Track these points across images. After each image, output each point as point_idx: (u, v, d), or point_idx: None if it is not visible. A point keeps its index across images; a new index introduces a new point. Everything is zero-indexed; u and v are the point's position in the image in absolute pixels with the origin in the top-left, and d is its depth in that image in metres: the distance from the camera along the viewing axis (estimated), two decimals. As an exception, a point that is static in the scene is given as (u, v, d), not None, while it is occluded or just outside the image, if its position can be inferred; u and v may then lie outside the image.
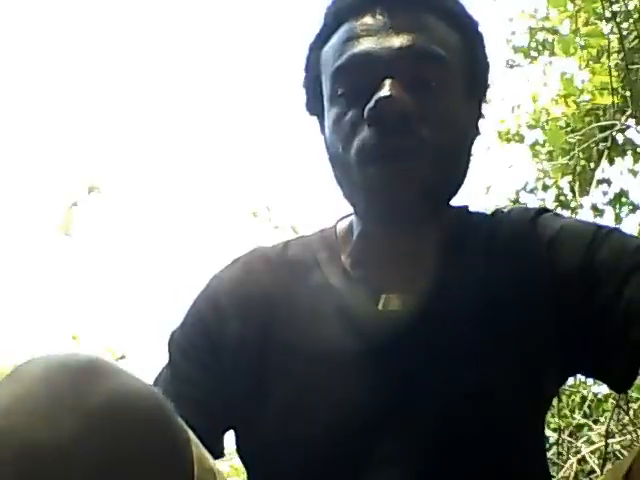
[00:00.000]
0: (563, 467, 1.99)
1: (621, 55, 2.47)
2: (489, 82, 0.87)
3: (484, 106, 0.88)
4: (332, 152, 0.82)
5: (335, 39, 0.82)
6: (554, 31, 3.27)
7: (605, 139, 2.69)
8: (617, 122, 2.59)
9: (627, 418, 2.04)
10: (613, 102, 2.45)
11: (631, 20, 2.49)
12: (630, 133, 3.00)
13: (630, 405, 2.04)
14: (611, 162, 2.99)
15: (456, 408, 0.78)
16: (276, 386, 0.82)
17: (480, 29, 0.86)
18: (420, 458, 0.77)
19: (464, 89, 0.82)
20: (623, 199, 3.21)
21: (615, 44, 2.43)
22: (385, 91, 0.75)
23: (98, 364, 0.57)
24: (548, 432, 2.09)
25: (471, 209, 0.91)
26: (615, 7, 2.34)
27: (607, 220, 3.18)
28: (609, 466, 1.85)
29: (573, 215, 3.00)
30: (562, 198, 3.14)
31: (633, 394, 2.11)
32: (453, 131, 0.80)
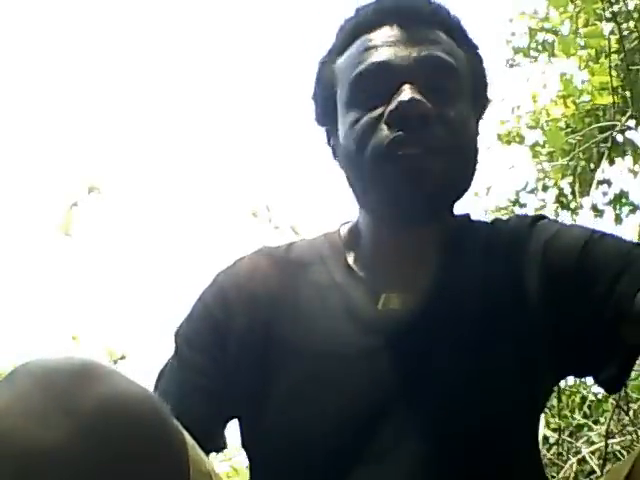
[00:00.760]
0: (563, 467, 1.99)
1: (621, 55, 2.47)
2: (487, 101, 0.92)
3: (484, 113, 0.92)
4: (346, 154, 0.86)
5: (352, 50, 0.86)
6: (554, 31, 3.27)
7: (605, 140, 2.69)
8: (617, 123, 2.59)
9: (627, 418, 2.04)
10: (613, 103, 2.45)
11: (631, 20, 2.50)
12: (630, 134, 3.00)
13: (630, 405, 2.04)
14: (611, 163, 2.99)
15: (456, 403, 0.80)
16: (280, 379, 0.84)
17: (479, 52, 0.91)
18: (421, 451, 0.79)
19: (471, 98, 0.87)
20: (623, 200, 3.21)
21: (615, 44, 2.43)
22: (407, 94, 0.80)
23: (93, 367, 0.57)
24: (548, 432, 2.09)
25: (473, 218, 0.95)
26: (615, 7, 2.35)
27: (607, 221, 3.19)
28: (609, 466, 1.85)
29: (573, 215, 3.01)
30: (562, 199, 3.14)
31: (633, 394, 2.11)
32: (466, 135, 0.84)
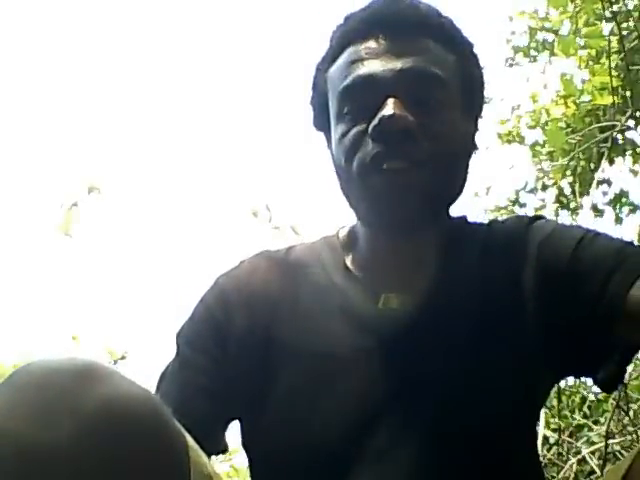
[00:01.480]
0: (563, 468, 1.99)
1: (621, 55, 2.47)
2: (485, 99, 0.93)
3: (482, 110, 0.92)
4: (337, 165, 0.87)
5: (341, 61, 0.87)
6: (554, 31, 3.27)
7: (605, 140, 2.69)
8: (617, 123, 2.59)
9: (627, 419, 2.04)
10: (613, 102, 2.45)
11: (631, 20, 2.50)
12: (630, 134, 3.00)
13: (630, 406, 2.04)
14: (611, 163, 2.99)
15: (454, 403, 0.81)
16: (279, 380, 0.84)
17: (475, 50, 0.91)
18: (419, 450, 0.80)
19: (461, 106, 0.87)
20: (623, 200, 3.21)
21: (615, 44, 2.43)
22: (389, 109, 0.80)
23: (95, 368, 0.57)
24: (548, 432, 2.09)
25: (470, 220, 0.95)
26: (615, 7, 2.34)
27: (607, 220, 3.18)
28: (609, 467, 1.85)
29: (573, 215, 3.01)
30: (562, 199, 3.14)
31: (633, 394, 2.11)
32: (452, 145, 0.84)
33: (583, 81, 2.85)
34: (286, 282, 0.90)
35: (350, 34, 0.87)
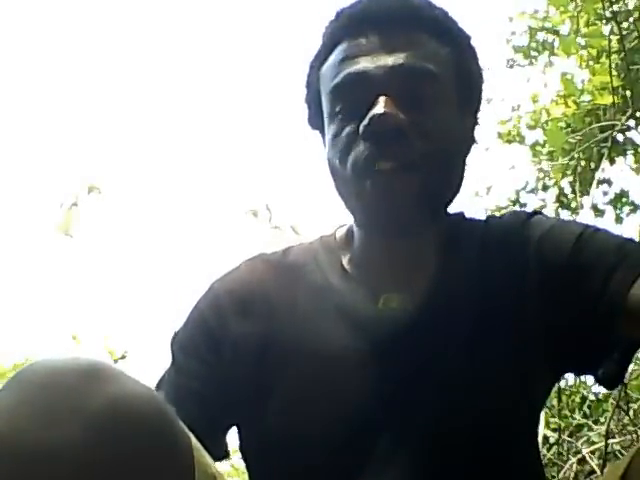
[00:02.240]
0: (563, 467, 1.99)
1: (621, 55, 2.47)
2: (483, 92, 0.91)
3: (481, 111, 0.91)
4: (331, 166, 0.86)
5: (332, 59, 0.86)
6: (554, 31, 3.27)
7: (606, 139, 2.69)
8: (617, 122, 2.59)
9: (627, 418, 2.04)
10: (614, 102, 2.45)
11: (631, 19, 2.49)
12: (631, 133, 3.00)
13: (630, 405, 2.04)
14: (612, 162, 2.99)
15: (455, 401, 0.80)
16: (277, 383, 0.84)
17: (472, 43, 0.89)
18: (420, 452, 0.79)
19: (457, 100, 0.85)
20: (624, 199, 3.21)
21: (615, 44, 2.43)
22: (379, 108, 0.79)
23: (100, 368, 0.57)
24: (548, 432, 2.09)
25: (467, 216, 0.94)
26: (615, 7, 2.34)
27: (608, 220, 3.18)
28: (609, 466, 1.85)
29: (574, 215, 3.00)
30: (563, 198, 3.14)
31: (633, 394, 2.11)
32: (446, 142, 0.83)
33: (583, 81, 2.85)
34: (283, 284, 0.89)
35: (341, 31, 0.86)
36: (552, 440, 2.09)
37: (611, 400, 2.16)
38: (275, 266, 0.92)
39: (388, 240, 0.86)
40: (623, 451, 1.96)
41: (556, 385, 2.01)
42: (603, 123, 2.70)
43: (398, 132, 0.79)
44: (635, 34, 2.51)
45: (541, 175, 3.23)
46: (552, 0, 2.88)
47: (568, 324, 0.81)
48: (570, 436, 2.14)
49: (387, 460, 0.79)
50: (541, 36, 3.37)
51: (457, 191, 0.86)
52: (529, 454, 0.87)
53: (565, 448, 2.09)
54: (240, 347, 0.86)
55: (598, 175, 2.89)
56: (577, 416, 2.22)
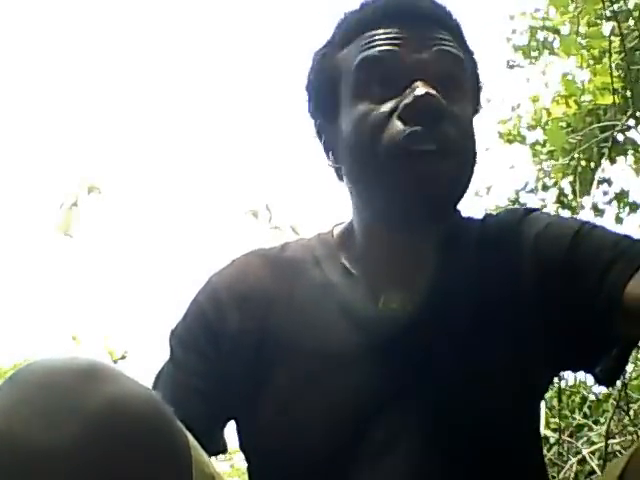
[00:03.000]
0: (563, 468, 1.99)
1: (622, 55, 2.47)
2: (481, 103, 0.92)
3: (482, 108, 0.93)
4: (352, 148, 0.84)
5: (357, 44, 0.85)
6: (555, 30, 3.27)
7: (606, 139, 2.68)
8: (618, 122, 2.59)
9: (627, 418, 2.04)
10: (614, 102, 2.45)
11: (631, 19, 2.49)
12: (631, 133, 3.00)
13: (630, 405, 2.04)
14: (612, 162, 2.99)
15: (455, 400, 0.80)
16: (275, 379, 0.84)
17: (474, 57, 0.91)
18: (420, 449, 0.80)
19: (472, 102, 0.87)
20: (624, 199, 3.21)
21: (616, 44, 2.43)
22: (421, 90, 0.79)
23: (98, 368, 0.57)
24: (548, 432, 2.09)
25: (464, 215, 0.94)
26: (616, 7, 2.34)
27: (608, 220, 3.18)
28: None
29: (574, 215, 3.00)
30: (563, 198, 3.14)
31: (633, 394, 2.11)
32: (470, 135, 0.84)
33: (583, 81, 2.85)
34: (280, 279, 0.89)
35: (367, 21, 0.85)
36: (552, 440, 2.09)
37: (611, 400, 2.16)
38: (273, 261, 0.91)
39: (393, 234, 0.85)
40: (623, 451, 1.96)
41: (556, 385, 2.01)
42: (603, 123, 2.70)
43: (439, 114, 0.79)
44: (636, 34, 2.51)
45: (541, 175, 3.22)
46: (552, 0, 2.87)
47: (566, 321, 0.81)
48: (570, 436, 2.14)
49: (387, 457, 0.80)
50: (541, 35, 3.38)
51: (469, 187, 0.86)
52: (530, 451, 0.87)
53: (565, 448, 2.08)
54: (238, 342, 0.86)
55: (598, 175, 2.89)
56: (577, 416, 2.22)
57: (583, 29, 2.77)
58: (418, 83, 0.79)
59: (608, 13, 2.37)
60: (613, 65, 2.34)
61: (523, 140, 3.31)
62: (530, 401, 0.87)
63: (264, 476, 0.87)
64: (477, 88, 0.90)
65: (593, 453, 1.98)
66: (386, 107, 0.80)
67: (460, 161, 0.81)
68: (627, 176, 3.24)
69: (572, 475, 1.96)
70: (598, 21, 2.68)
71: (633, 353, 1.77)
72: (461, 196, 0.85)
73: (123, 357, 2.51)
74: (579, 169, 2.84)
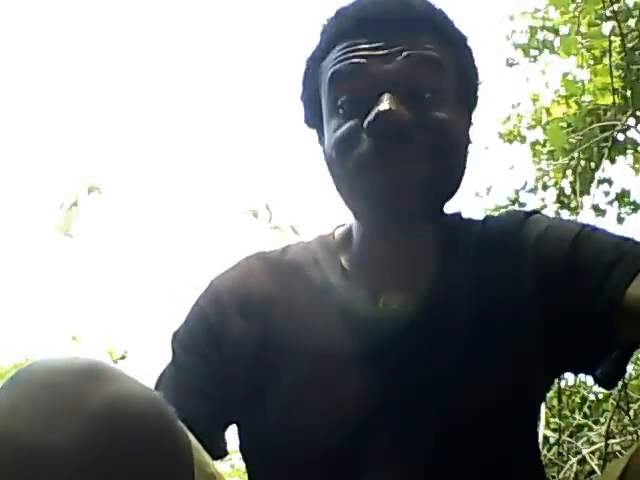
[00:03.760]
0: (563, 468, 1.99)
1: (622, 55, 2.47)
2: (479, 92, 0.91)
3: (476, 112, 0.91)
4: (330, 161, 0.85)
5: (333, 55, 0.85)
6: (555, 30, 3.27)
7: (606, 139, 2.68)
8: (618, 122, 2.59)
9: (627, 419, 2.04)
10: (614, 102, 2.45)
11: (631, 19, 2.49)
12: (631, 132, 3.00)
13: (630, 406, 2.04)
14: (612, 162, 2.98)
15: (454, 401, 0.80)
16: (276, 382, 0.84)
17: (468, 43, 0.89)
18: (420, 450, 0.80)
19: (457, 99, 0.85)
20: (625, 199, 3.20)
21: (616, 44, 2.43)
22: (384, 105, 0.79)
23: (99, 368, 0.58)
24: (548, 432, 2.09)
25: (464, 216, 0.94)
26: (616, 7, 2.34)
27: (608, 220, 3.18)
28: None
29: (574, 215, 3.00)
30: (563, 198, 3.14)
31: (633, 394, 2.11)
32: (449, 137, 0.83)
33: (583, 81, 2.85)
34: (282, 282, 0.89)
35: (341, 29, 0.85)
36: (552, 440, 2.09)
37: (611, 400, 2.16)
38: (274, 264, 0.92)
39: (390, 237, 0.86)
40: (623, 451, 1.96)
41: (556, 385, 2.01)
42: (603, 123, 2.70)
43: (402, 128, 0.79)
44: (636, 33, 2.51)
45: (541, 175, 3.22)
46: (552, 0, 2.87)
47: (566, 323, 0.82)
48: (570, 436, 2.14)
49: (386, 459, 0.80)
50: (541, 35, 3.37)
51: (457, 188, 0.86)
52: (529, 453, 0.88)
53: (565, 448, 2.08)
54: (240, 345, 0.86)
55: (599, 175, 2.89)
56: (577, 416, 2.22)
57: (583, 29, 2.77)
58: (383, 97, 0.79)
59: (608, 13, 2.37)
60: (613, 65, 2.34)
61: (523, 140, 3.31)
62: (530, 403, 0.87)
63: (265, 478, 0.87)
64: (468, 78, 0.88)
65: (593, 453, 1.98)
66: (356, 122, 0.81)
67: (435, 165, 0.80)
68: (627, 176, 3.24)
69: (572, 475, 1.96)
70: (598, 21, 2.68)
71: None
72: (442, 197, 0.85)
73: (123, 357, 2.51)
74: (579, 169, 2.84)
